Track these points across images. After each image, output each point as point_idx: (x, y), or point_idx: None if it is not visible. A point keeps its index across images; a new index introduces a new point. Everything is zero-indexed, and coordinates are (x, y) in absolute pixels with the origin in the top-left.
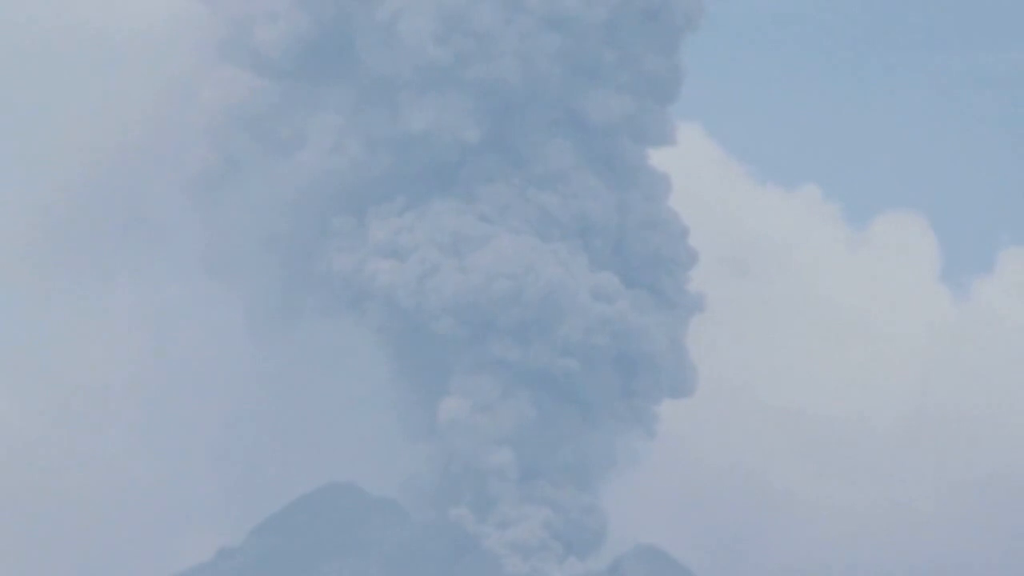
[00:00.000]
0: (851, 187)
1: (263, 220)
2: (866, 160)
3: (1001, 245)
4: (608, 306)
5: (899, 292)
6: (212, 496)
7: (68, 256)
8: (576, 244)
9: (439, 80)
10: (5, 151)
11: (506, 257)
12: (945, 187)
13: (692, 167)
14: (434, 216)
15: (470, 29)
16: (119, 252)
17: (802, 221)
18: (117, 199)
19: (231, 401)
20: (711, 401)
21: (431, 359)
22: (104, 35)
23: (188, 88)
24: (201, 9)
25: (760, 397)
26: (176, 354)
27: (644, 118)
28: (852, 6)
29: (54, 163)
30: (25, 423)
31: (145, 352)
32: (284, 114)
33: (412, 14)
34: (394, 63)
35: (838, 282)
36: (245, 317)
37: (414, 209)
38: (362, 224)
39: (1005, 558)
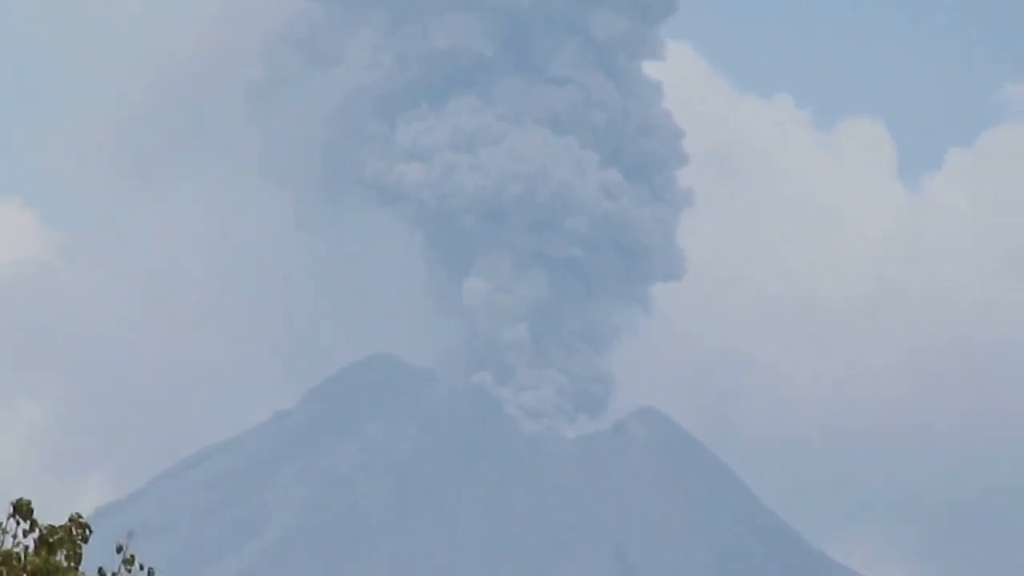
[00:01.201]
0: (819, 96)
1: (309, 127)
2: (832, 72)
3: (948, 146)
4: (612, 203)
5: (861, 187)
6: (269, 366)
7: (141, 159)
8: (587, 138)
9: (460, 3)
10: (85, 71)
11: (520, 157)
12: (901, 95)
13: (682, 80)
14: (452, 116)
15: None
16: (185, 156)
17: (777, 126)
18: (183, 111)
19: (284, 284)
20: (700, 283)
21: (457, 245)
22: None
23: (242, 11)
24: None
25: (741, 279)
26: (235, 242)
27: (639, 36)
28: None
29: (127, 80)
30: (107, 301)
31: (208, 241)
32: (327, 33)
33: None
34: None
35: (808, 179)
36: (294, 211)
37: (436, 112)
38: (392, 130)
39: (953, 413)
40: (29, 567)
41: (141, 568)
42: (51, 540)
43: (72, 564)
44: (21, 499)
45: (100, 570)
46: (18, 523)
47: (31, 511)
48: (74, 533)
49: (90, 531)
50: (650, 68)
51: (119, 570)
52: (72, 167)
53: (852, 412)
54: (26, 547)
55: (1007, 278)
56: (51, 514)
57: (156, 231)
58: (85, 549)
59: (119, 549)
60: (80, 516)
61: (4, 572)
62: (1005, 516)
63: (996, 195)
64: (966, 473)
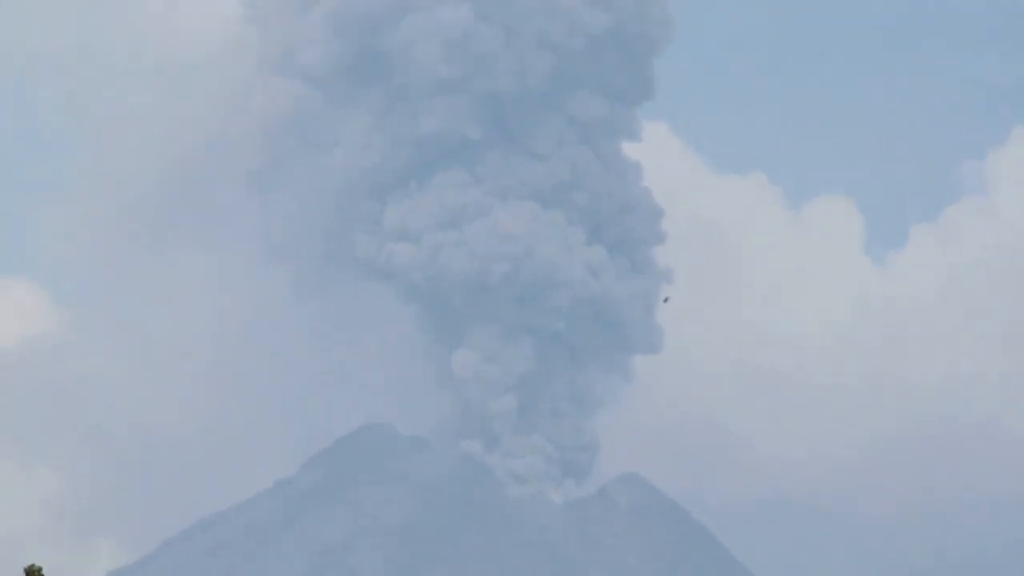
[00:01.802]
0: (791, 174)
1: (306, 206)
2: (803, 152)
3: (912, 223)
4: (595, 281)
5: (830, 262)
6: (269, 436)
7: (146, 238)
8: (572, 214)
9: (448, 89)
10: (92, 153)
11: (505, 235)
12: (868, 173)
13: (659, 159)
14: (437, 192)
15: (473, 51)
16: (188, 235)
17: (751, 203)
18: (187, 191)
19: (283, 356)
20: (678, 355)
21: (447, 319)
22: (174, 57)
23: (243, 98)
24: (252, 31)
25: (716, 351)
26: (236, 316)
27: (617, 118)
28: (793, 30)
29: (134, 164)
30: (115, 374)
31: (212, 316)
32: (322, 119)
33: (424, 39)
34: (411, 77)
35: (781, 254)
36: (292, 285)
37: (423, 190)
38: (383, 209)
39: (918, 485)
40: None
41: None
42: None
43: None
44: (33, 565)
45: None
46: None
47: None
48: None
49: None
50: (628, 149)
51: None
52: (80, 247)
53: (826, 477)
54: None
55: (975, 356)
56: None
57: (161, 307)
58: None
59: None
60: None
61: None
62: None
63: (959, 269)
64: (942, 542)
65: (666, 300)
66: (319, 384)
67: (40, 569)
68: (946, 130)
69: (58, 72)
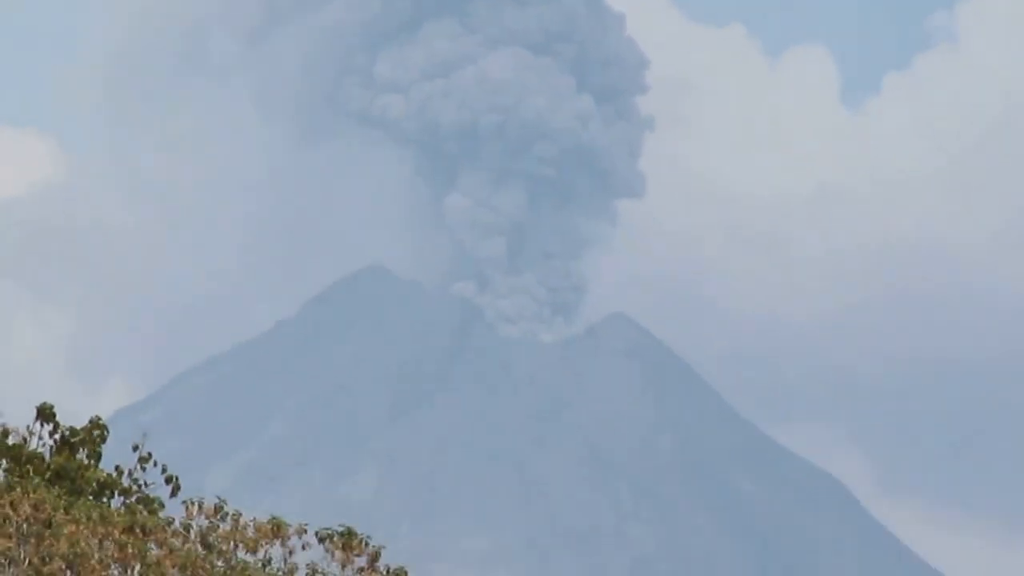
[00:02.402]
0: (769, 25)
1: (302, 60)
2: (780, 2)
3: (886, 70)
4: (583, 130)
5: (808, 111)
6: (270, 278)
7: (153, 89)
8: (562, 63)
9: None
10: (97, 11)
11: (495, 84)
12: (844, 24)
13: (642, 11)
14: (427, 42)
15: None
16: (189, 86)
17: (730, 53)
18: (186, 45)
19: (283, 201)
20: (660, 199)
21: (440, 165)
22: None
23: None
24: None
25: (697, 196)
26: (237, 163)
27: None
28: None
29: (142, 16)
30: (122, 220)
31: (214, 163)
32: None
33: None
34: None
35: (759, 103)
36: (292, 134)
37: (412, 41)
38: (375, 62)
39: (887, 312)
40: (52, 466)
41: (155, 465)
42: (72, 441)
43: (92, 462)
44: (45, 403)
45: (117, 467)
46: (42, 425)
47: (54, 414)
48: (94, 434)
49: (107, 432)
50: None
51: (135, 468)
52: (86, 97)
53: (797, 313)
54: (50, 447)
55: (953, 205)
56: (75, 417)
57: (165, 155)
58: (104, 448)
59: (135, 448)
60: (99, 418)
61: (30, 470)
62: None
63: (931, 114)
64: (902, 373)
65: None
66: (317, 228)
67: (52, 407)
68: None
69: None
